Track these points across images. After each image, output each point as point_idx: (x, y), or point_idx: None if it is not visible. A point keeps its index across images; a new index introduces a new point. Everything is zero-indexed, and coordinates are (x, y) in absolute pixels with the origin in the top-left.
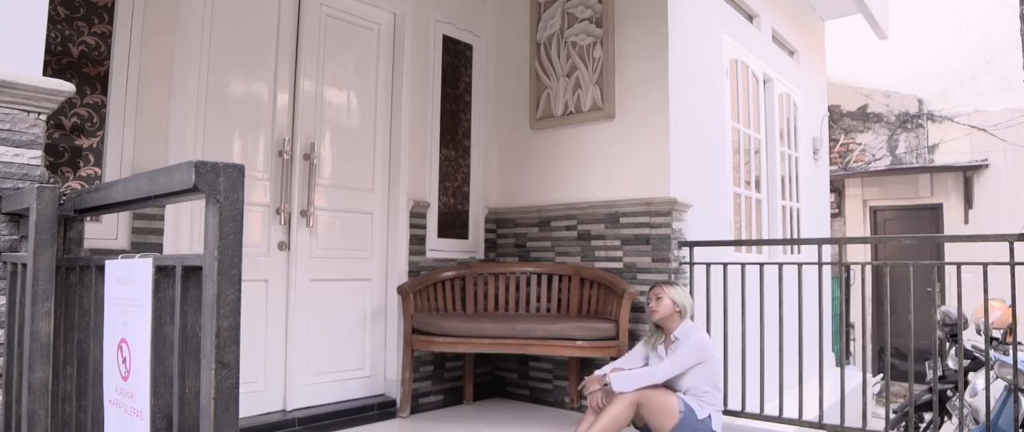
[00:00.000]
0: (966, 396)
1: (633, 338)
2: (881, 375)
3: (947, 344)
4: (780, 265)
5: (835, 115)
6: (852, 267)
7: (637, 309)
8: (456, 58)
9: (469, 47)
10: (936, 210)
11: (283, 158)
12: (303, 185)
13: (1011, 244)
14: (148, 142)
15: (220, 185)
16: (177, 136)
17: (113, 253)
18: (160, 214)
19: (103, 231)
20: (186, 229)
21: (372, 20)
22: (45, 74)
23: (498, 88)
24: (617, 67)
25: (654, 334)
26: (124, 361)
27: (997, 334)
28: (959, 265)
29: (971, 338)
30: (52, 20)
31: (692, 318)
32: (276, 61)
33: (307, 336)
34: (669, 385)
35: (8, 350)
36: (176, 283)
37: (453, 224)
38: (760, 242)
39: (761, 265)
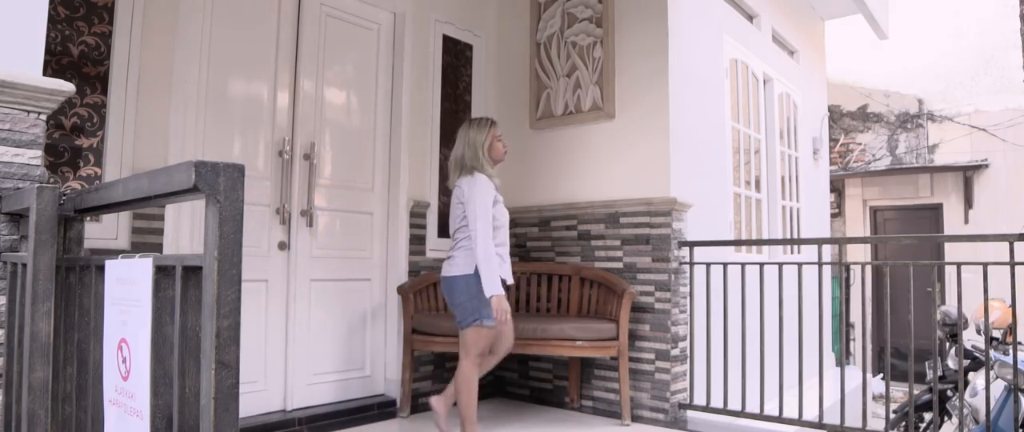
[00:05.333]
0: (966, 396)
1: (633, 338)
2: (881, 375)
3: (947, 344)
4: (780, 265)
5: (835, 115)
6: (852, 267)
7: (637, 309)
8: (456, 58)
9: (469, 47)
10: (936, 210)
11: (283, 158)
12: (303, 185)
13: (1011, 244)
14: (148, 142)
15: (220, 185)
16: (177, 136)
17: (113, 253)
18: (160, 214)
19: (103, 231)
20: (186, 229)
21: (372, 20)
22: (45, 74)
23: (498, 88)
24: (617, 67)
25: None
26: (124, 361)
27: (997, 334)
28: (959, 265)
29: (971, 338)
30: (52, 20)
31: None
32: (276, 61)
33: (307, 336)
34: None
35: (8, 350)
36: (176, 283)
37: None
38: (760, 242)
39: (761, 265)
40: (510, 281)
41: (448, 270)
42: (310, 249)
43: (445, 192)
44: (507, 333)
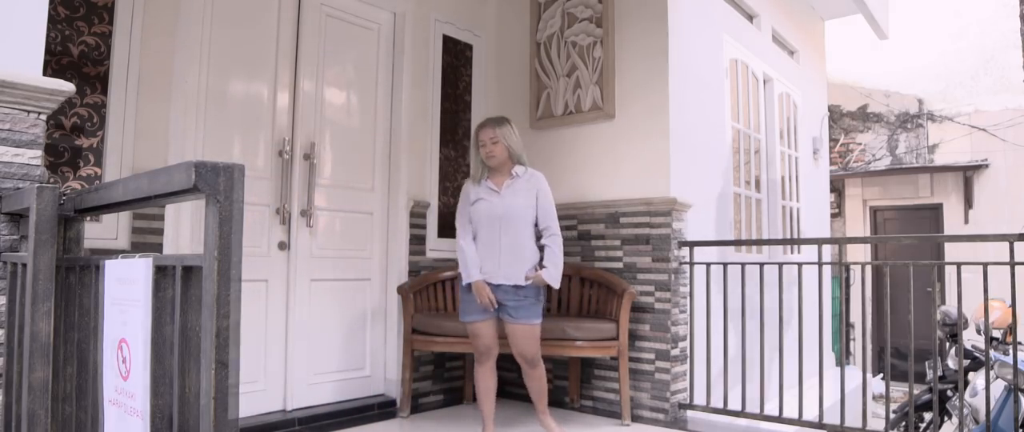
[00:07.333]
0: (966, 396)
1: (633, 338)
2: (881, 375)
3: (947, 344)
4: (780, 265)
5: (835, 115)
6: (852, 267)
7: (637, 309)
8: (456, 58)
9: (469, 47)
10: (936, 210)
11: (283, 158)
12: (303, 185)
13: (1011, 244)
14: (148, 142)
15: (220, 185)
16: (177, 136)
17: (113, 253)
18: (160, 214)
19: (103, 231)
20: (186, 229)
21: (372, 20)
22: (45, 74)
23: (498, 88)
24: (617, 67)
25: (482, 170)
26: (124, 361)
27: (997, 334)
28: (959, 265)
29: (971, 338)
30: (52, 20)
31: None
32: (276, 61)
33: (307, 336)
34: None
35: (8, 350)
36: (176, 283)
37: (453, 224)
38: (760, 242)
39: (761, 265)
40: (489, 278)
41: None
42: (310, 249)
43: (445, 192)
44: (484, 332)
